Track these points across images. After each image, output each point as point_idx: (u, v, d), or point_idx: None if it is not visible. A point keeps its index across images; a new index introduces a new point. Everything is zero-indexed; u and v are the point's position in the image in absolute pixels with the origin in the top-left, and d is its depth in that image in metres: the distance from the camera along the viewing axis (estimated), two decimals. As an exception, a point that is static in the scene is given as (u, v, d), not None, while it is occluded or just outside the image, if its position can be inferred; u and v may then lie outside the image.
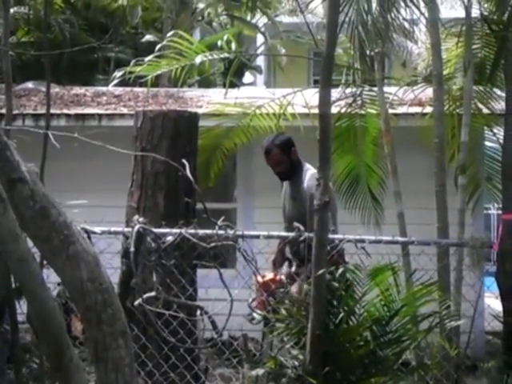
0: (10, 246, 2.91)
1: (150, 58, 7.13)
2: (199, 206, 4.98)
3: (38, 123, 8.56)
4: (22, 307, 4.32)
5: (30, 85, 10.81)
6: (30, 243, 3.07)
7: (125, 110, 9.16)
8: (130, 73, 7.11)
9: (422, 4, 6.77)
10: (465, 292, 5.99)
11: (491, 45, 7.26)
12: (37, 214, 2.97)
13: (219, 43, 12.61)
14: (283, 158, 5.81)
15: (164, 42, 7.58)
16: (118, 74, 7.23)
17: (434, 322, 4.59)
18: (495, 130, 7.80)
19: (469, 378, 5.80)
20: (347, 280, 4.38)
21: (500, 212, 6.77)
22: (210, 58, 7.22)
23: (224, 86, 14.45)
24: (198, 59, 6.96)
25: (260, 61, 19.19)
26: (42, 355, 4.41)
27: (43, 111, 8.84)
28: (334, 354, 4.24)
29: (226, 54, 7.75)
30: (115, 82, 7.38)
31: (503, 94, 6.55)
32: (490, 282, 6.26)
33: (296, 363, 4.28)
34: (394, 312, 4.39)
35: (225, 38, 8.01)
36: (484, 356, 7.31)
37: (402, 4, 6.72)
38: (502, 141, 6.24)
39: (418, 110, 8.31)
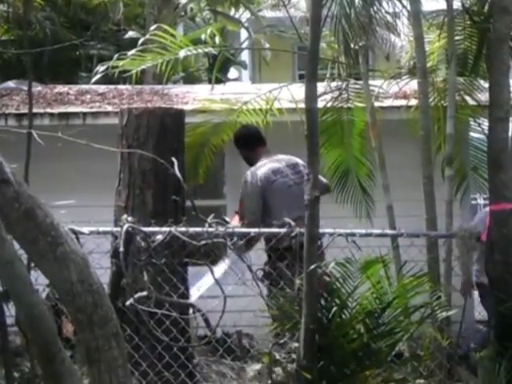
0: (-4, 249, 2.87)
1: (133, 51, 7.07)
2: (188, 203, 4.96)
3: (21, 123, 8.49)
4: (10, 310, 4.28)
5: (11, 84, 10.71)
6: (17, 245, 3.03)
7: (109, 108, 9.09)
8: (114, 67, 7.05)
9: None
10: (455, 282, 6.01)
11: (473, 36, 7.27)
12: (22, 215, 2.93)
13: (203, 37, 12.56)
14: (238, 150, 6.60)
15: (147, 36, 7.51)
16: (100, 68, 7.16)
17: (426, 313, 4.60)
18: (480, 121, 7.81)
19: (461, 368, 5.81)
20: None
21: (487, 202, 6.77)
22: (194, 52, 7.18)
23: (209, 81, 14.44)
24: (183, 53, 6.92)
25: (245, 56, 19.16)
26: (33, 359, 4.37)
27: (26, 110, 8.77)
28: (327, 348, 4.25)
29: (211, 48, 7.71)
30: (97, 76, 7.32)
31: (487, 85, 6.56)
32: (479, 272, 6.28)
33: (291, 357, 4.28)
34: (386, 304, 4.40)
35: (208, 31, 7.98)
36: (475, 345, 7.33)
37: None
38: (486, 131, 6.26)
39: (403, 102, 8.31)
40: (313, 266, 4.15)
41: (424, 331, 4.94)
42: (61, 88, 10.80)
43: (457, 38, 7.12)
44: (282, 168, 6.27)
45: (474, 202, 12.24)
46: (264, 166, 6.25)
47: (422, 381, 4.90)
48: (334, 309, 4.32)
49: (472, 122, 7.86)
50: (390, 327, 4.43)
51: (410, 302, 4.51)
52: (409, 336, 4.65)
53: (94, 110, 9.13)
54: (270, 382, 4.40)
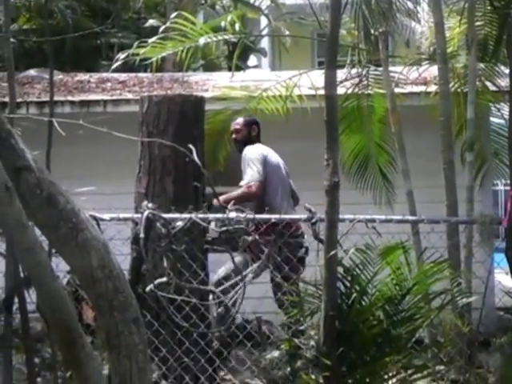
0: (17, 235, 2.88)
1: (153, 39, 7.09)
2: (209, 189, 4.97)
3: (42, 111, 8.54)
4: (31, 296, 4.31)
5: (32, 72, 10.78)
6: (38, 232, 3.05)
7: (130, 96, 9.13)
8: (134, 55, 7.07)
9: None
10: (475, 269, 5.99)
11: (494, 21, 7.24)
12: (44, 202, 2.94)
13: (223, 24, 12.56)
14: (243, 128, 6.68)
15: (168, 24, 7.52)
16: (121, 56, 7.19)
17: (446, 300, 4.58)
18: (500, 106, 7.78)
19: (482, 354, 5.79)
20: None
21: (508, 188, 6.74)
22: (214, 39, 7.18)
23: (229, 69, 14.44)
24: (203, 40, 6.93)
25: (264, 43, 19.12)
26: (53, 344, 4.41)
27: (47, 98, 8.82)
28: (347, 335, 4.24)
29: (231, 36, 7.71)
30: (117, 64, 7.34)
31: (507, 70, 6.52)
32: (500, 258, 6.25)
33: (311, 344, 4.28)
34: (406, 291, 4.38)
35: (228, 19, 7.96)
36: (496, 332, 7.31)
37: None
38: (507, 116, 6.23)
39: (423, 88, 8.28)
40: (333, 252, 4.15)
41: (444, 318, 4.93)
42: (82, 76, 10.86)
43: (477, 23, 7.08)
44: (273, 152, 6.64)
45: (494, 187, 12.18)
46: (261, 147, 6.58)
47: (442, 367, 4.90)
48: (354, 295, 4.31)
49: (492, 107, 7.82)
50: (409, 313, 4.41)
51: (430, 288, 4.49)
52: (429, 322, 4.63)
53: (114, 97, 9.18)
54: (289, 368, 4.42)
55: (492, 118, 8.05)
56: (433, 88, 7.77)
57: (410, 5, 7.12)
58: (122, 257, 4.02)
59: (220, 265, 5.83)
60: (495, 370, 5.27)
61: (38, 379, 4.95)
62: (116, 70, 9.72)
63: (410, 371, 4.41)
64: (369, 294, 4.37)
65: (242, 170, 6.43)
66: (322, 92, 4.54)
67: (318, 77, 6.82)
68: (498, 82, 7.58)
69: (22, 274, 4.22)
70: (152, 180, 5.01)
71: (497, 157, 7.80)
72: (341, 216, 4.40)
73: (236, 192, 6.24)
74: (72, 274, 4.38)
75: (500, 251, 6.44)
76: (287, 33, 16.68)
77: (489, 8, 7.19)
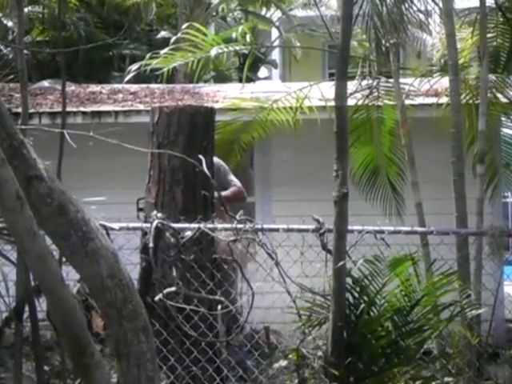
0: (28, 243, 2.90)
1: (165, 50, 7.13)
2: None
3: (54, 121, 8.59)
4: (41, 305, 4.34)
5: (45, 83, 10.85)
6: (49, 241, 3.07)
7: (141, 107, 9.18)
8: (146, 65, 7.12)
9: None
10: (485, 281, 5.98)
11: (506, 33, 7.26)
12: (54, 211, 2.96)
13: (234, 35, 12.64)
14: None
15: (179, 35, 7.56)
16: (133, 67, 7.25)
17: (455, 311, 4.58)
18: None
19: (491, 366, 5.78)
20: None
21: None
22: (225, 50, 7.21)
23: (240, 80, 14.48)
24: (214, 51, 6.95)
25: (275, 55, 19.17)
26: (63, 352, 4.43)
27: (59, 109, 8.87)
28: (355, 345, 4.25)
29: (242, 47, 7.73)
30: (130, 75, 7.38)
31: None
32: (510, 270, 6.24)
33: (319, 354, 4.28)
34: (414, 302, 4.39)
35: (240, 30, 7.99)
36: (505, 343, 7.29)
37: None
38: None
39: (434, 100, 8.29)
40: (341, 263, 4.16)
41: (453, 329, 4.92)
42: (94, 87, 10.92)
43: (489, 35, 7.09)
44: None
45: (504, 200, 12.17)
46: None
47: (450, 379, 4.89)
48: (362, 306, 4.32)
49: (504, 119, 7.82)
50: (418, 325, 4.42)
51: (440, 299, 4.49)
52: (438, 334, 4.63)
53: (125, 108, 9.22)
54: (297, 378, 4.42)
55: (504, 129, 8.05)
56: (444, 100, 7.77)
57: (421, 16, 7.13)
58: (132, 266, 4.04)
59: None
60: (504, 381, 5.26)
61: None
62: (128, 82, 9.78)
63: (418, 382, 4.41)
64: (377, 304, 4.38)
65: (225, 178, 6.51)
66: (332, 103, 4.56)
67: (328, 88, 6.84)
68: (510, 93, 7.58)
69: (32, 283, 4.25)
70: (161, 190, 5.03)
71: (508, 168, 7.80)
72: (349, 227, 4.41)
73: (231, 191, 6.30)
74: (82, 283, 4.40)
75: (510, 263, 6.44)
76: (298, 44, 16.74)
77: (501, 19, 7.21)
